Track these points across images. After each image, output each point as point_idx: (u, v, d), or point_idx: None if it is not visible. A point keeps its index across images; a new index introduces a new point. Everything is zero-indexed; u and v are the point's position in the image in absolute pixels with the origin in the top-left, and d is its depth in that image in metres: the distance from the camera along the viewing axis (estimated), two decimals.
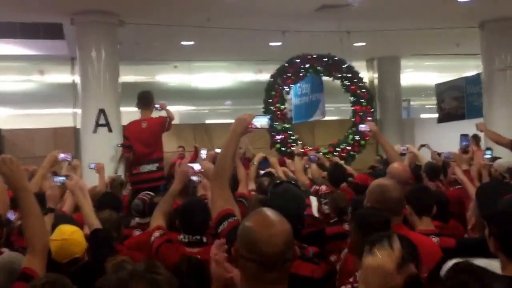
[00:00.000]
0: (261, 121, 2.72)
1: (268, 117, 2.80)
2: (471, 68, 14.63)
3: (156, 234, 3.24)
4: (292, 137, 11.43)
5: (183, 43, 11.98)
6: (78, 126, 11.01)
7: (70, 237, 3.09)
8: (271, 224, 1.83)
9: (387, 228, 2.42)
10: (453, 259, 2.23)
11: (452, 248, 2.61)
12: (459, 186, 5.28)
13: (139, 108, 6.13)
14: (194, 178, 4.06)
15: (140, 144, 5.90)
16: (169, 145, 12.10)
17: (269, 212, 1.90)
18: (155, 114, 6.42)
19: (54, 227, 3.24)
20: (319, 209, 4.63)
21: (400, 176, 3.48)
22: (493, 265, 2.30)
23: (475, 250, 2.42)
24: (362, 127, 4.26)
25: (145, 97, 6.09)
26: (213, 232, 3.17)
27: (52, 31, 11.14)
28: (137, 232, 4.07)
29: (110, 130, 9.16)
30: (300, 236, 2.67)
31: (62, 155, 4.46)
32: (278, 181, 2.83)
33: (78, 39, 9.71)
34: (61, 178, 3.71)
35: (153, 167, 5.83)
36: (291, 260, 1.84)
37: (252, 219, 1.89)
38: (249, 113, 2.77)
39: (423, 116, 16.80)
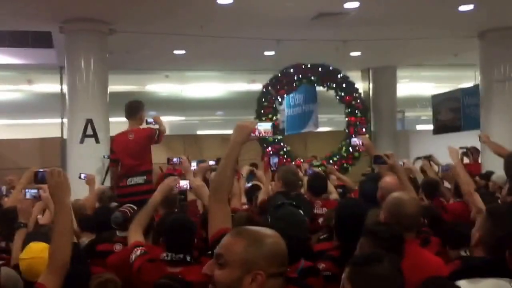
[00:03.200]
0: (265, 128, 2.53)
1: (271, 123, 2.59)
2: (468, 79, 14.54)
3: (137, 252, 3.11)
4: (284, 149, 11.23)
5: (175, 52, 11.80)
6: (65, 137, 10.78)
7: (39, 255, 2.92)
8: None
9: (401, 243, 2.42)
10: (461, 280, 2.26)
11: (458, 269, 2.48)
12: (459, 199, 5.13)
13: (127, 118, 5.96)
14: (184, 184, 3.86)
15: (127, 156, 5.73)
16: (159, 156, 11.83)
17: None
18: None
19: (25, 244, 3.13)
20: None
21: (392, 191, 3.36)
22: (501, 285, 2.28)
23: (481, 270, 2.35)
24: (355, 140, 4.14)
25: (133, 107, 5.92)
26: (199, 251, 3.03)
27: (41, 40, 10.98)
28: (117, 247, 3.88)
29: (97, 141, 8.96)
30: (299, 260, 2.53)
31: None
32: (279, 203, 2.63)
33: (66, 47, 9.52)
34: (33, 191, 3.54)
35: (140, 179, 5.65)
36: None
37: None
38: (250, 120, 2.59)
39: (418, 127, 16.65)
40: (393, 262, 2.03)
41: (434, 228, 3.80)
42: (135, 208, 4.03)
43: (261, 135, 2.54)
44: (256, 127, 2.48)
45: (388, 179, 3.75)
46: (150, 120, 5.91)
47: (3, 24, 9.76)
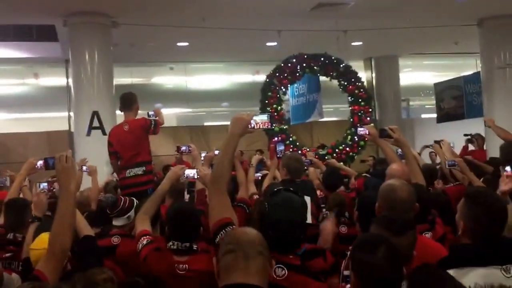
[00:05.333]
0: (261, 119, 2.56)
1: (268, 114, 2.64)
2: (470, 67, 14.52)
3: (144, 241, 3.11)
4: (290, 139, 11.28)
5: (179, 44, 11.85)
6: (73, 130, 10.87)
7: None
8: (247, 228, 2.12)
9: (410, 228, 2.44)
10: (450, 270, 2.21)
11: (446, 258, 2.46)
12: (458, 183, 5.17)
13: (121, 111, 5.90)
14: (191, 173, 3.85)
15: (124, 148, 5.64)
16: (166, 148, 11.98)
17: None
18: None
19: (36, 235, 3.11)
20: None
21: (399, 177, 3.36)
22: (493, 273, 2.24)
23: (470, 259, 2.32)
24: (361, 130, 4.14)
25: (127, 98, 5.85)
26: (208, 241, 3.06)
27: (45, 33, 11.01)
28: (115, 239, 3.82)
29: (104, 133, 8.98)
30: (299, 246, 2.55)
31: (40, 162, 4.32)
32: (275, 189, 2.65)
33: (71, 41, 9.58)
34: (44, 184, 3.57)
35: (139, 170, 5.55)
36: (266, 259, 1.97)
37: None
38: (247, 112, 2.63)
39: (423, 116, 16.66)
40: (391, 249, 2.08)
41: (444, 217, 3.72)
42: (134, 200, 4.02)
43: (258, 126, 2.55)
44: (252, 118, 2.52)
45: (395, 166, 3.71)
46: (151, 113, 5.86)
47: (7, 18, 9.82)
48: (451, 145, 5.69)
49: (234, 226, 2.40)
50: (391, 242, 2.14)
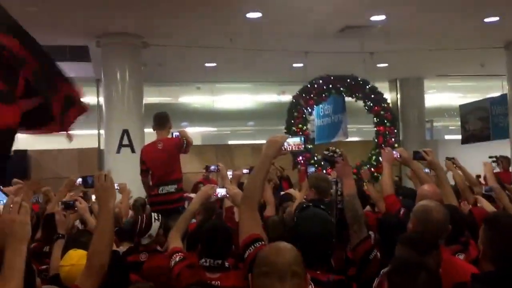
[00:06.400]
0: (294, 141, 2.63)
1: (301, 137, 2.73)
2: (495, 89, 14.44)
3: (176, 258, 3.19)
4: (315, 158, 11.37)
5: (206, 64, 12.08)
6: (102, 147, 11.11)
7: (78, 262, 2.95)
8: (280, 244, 2.01)
9: (435, 248, 2.42)
10: None
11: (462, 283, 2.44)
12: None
13: (154, 129, 6.04)
14: (221, 192, 3.95)
15: (157, 165, 5.75)
16: (192, 165, 12.14)
17: (283, 244, 2.02)
18: None
19: (64, 252, 3.20)
20: None
21: (430, 199, 3.37)
22: None
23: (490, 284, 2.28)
24: (395, 154, 4.19)
25: (161, 118, 6.00)
26: (236, 257, 3.15)
27: (78, 54, 11.33)
28: (143, 256, 3.98)
29: (133, 151, 9.20)
30: (330, 264, 2.59)
31: (79, 180, 4.48)
32: (304, 205, 2.73)
33: (103, 61, 9.87)
34: (70, 203, 3.63)
35: (171, 188, 5.66)
36: (301, 278, 1.90)
37: (266, 248, 2.03)
38: (281, 134, 2.69)
39: (447, 137, 16.58)
40: (432, 275, 2.07)
41: (475, 238, 3.75)
42: (153, 216, 4.12)
43: (291, 148, 2.63)
44: (286, 141, 2.60)
45: (427, 187, 3.69)
46: (176, 134, 5.97)
47: (43, 39, 10.06)
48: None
49: (263, 242, 2.44)
50: (430, 267, 2.12)
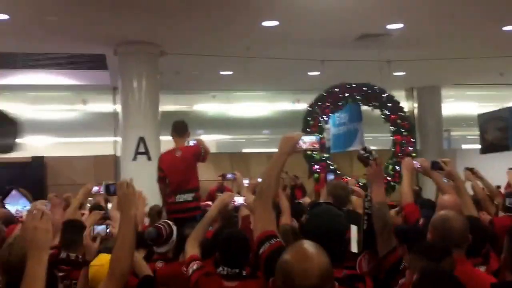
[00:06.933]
0: (309, 139, 2.60)
1: (317, 135, 2.68)
2: None
3: (194, 266, 3.19)
4: (331, 167, 11.29)
5: (222, 72, 12.11)
6: (118, 154, 11.16)
7: (107, 264, 2.92)
8: (307, 257, 1.81)
9: (448, 255, 2.37)
10: None
11: None
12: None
13: (172, 137, 6.08)
14: (239, 200, 3.93)
15: (175, 173, 5.79)
16: (207, 173, 12.15)
17: (307, 244, 1.88)
18: None
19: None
20: None
21: (450, 209, 3.33)
22: None
23: None
24: (413, 162, 4.15)
25: (181, 126, 6.04)
26: (253, 266, 3.13)
27: (95, 62, 11.45)
28: (159, 264, 3.96)
29: (149, 158, 9.24)
30: (343, 259, 2.55)
31: (95, 188, 4.49)
32: (317, 202, 2.69)
33: (120, 69, 9.94)
34: (102, 227, 3.49)
35: (188, 196, 5.70)
36: None
37: (290, 252, 1.87)
38: (296, 132, 2.67)
39: (465, 146, 16.41)
40: (459, 281, 2.07)
41: (496, 250, 3.63)
42: (170, 223, 4.15)
43: (306, 146, 2.59)
44: (301, 138, 2.57)
45: (447, 198, 3.67)
46: (192, 142, 6.01)
47: (62, 47, 10.30)
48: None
49: (277, 239, 2.41)
50: (458, 280, 2.10)
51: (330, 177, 5.32)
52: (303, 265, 1.77)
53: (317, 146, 2.65)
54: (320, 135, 11.33)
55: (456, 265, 2.55)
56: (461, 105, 16.19)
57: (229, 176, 5.09)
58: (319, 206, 2.64)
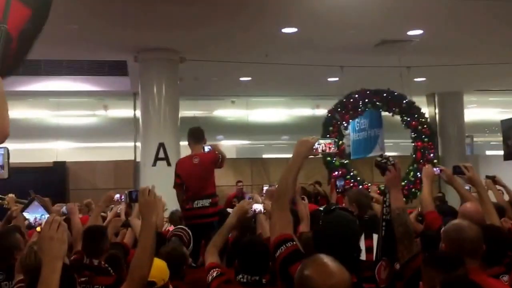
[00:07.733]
0: (325, 141, 2.62)
1: (332, 138, 2.69)
2: None
3: (214, 274, 3.17)
4: (351, 173, 11.22)
5: (241, 78, 12.14)
6: (138, 160, 11.24)
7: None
8: (331, 274, 1.82)
9: (461, 265, 2.34)
10: None
11: None
12: None
13: (189, 144, 6.07)
14: (258, 207, 3.94)
15: (193, 180, 5.78)
16: (226, 179, 12.19)
17: (327, 259, 1.88)
18: None
19: None
20: None
21: (472, 217, 3.29)
22: None
23: None
24: (436, 170, 4.12)
25: (198, 133, 6.04)
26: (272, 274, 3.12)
27: (116, 68, 11.59)
28: None
29: (169, 164, 9.25)
30: (358, 266, 2.53)
31: (117, 195, 4.54)
32: (330, 208, 2.68)
33: (140, 75, 10.03)
34: None
35: (206, 202, 5.68)
36: None
37: (311, 267, 1.86)
38: (312, 136, 2.69)
39: (488, 153, 16.18)
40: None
41: None
42: (188, 230, 4.17)
43: (322, 149, 2.61)
44: (316, 143, 2.59)
45: (469, 205, 3.63)
46: (207, 148, 5.97)
47: (84, 54, 10.46)
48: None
49: (294, 243, 2.42)
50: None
51: (340, 182, 5.31)
52: (328, 282, 1.79)
53: (333, 149, 2.66)
54: (340, 141, 11.31)
55: (470, 275, 2.52)
56: (483, 111, 15.99)
57: (247, 197, 5.08)
58: (333, 212, 2.64)
